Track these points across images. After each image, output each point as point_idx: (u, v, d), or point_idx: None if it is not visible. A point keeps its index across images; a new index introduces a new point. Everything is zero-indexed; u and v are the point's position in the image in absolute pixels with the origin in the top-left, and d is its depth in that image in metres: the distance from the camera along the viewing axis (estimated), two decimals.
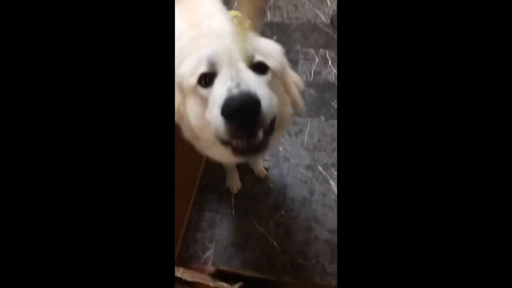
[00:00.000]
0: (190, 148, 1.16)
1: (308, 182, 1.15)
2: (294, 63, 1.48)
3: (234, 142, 0.50)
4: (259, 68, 0.53)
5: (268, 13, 1.73)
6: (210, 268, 0.87)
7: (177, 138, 0.98)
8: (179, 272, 0.54)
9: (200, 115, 0.54)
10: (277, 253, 1.02)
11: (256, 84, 0.48)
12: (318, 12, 1.68)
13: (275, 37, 1.60)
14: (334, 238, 1.02)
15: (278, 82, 0.57)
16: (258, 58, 0.53)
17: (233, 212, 1.13)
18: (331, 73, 1.44)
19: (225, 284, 0.47)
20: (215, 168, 1.21)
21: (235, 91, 0.45)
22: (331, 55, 1.50)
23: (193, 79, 0.53)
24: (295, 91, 0.62)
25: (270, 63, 0.54)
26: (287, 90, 0.60)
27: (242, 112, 0.44)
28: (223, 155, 0.61)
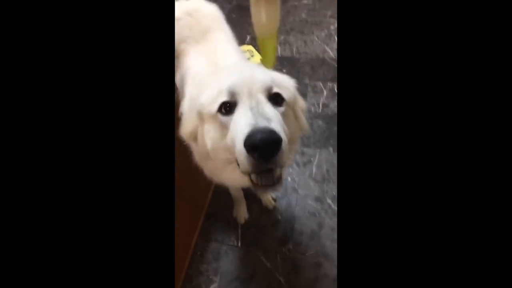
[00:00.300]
0: (198, 176, 1.17)
1: (317, 214, 1.12)
2: (303, 96, 1.52)
3: (253, 176, 0.53)
4: (276, 99, 0.57)
5: (279, 48, 1.83)
6: None
7: (186, 166, 1.00)
8: None
9: (217, 140, 0.58)
10: None
11: (274, 117, 0.52)
12: (326, 48, 1.77)
13: (284, 70, 1.68)
14: None
15: (290, 111, 0.62)
16: (275, 89, 0.57)
17: (239, 244, 1.10)
18: None
19: None
20: (223, 197, 1.21)
21: (257, 126, 0.48)
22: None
23: (214, 107, 0.56)
24: (303, 118, 0.66)
25: (286, 94, 0.59)
26: (296, 117, 0.65)
27: (263, 148, 0.47)
28: (234, 178, 0.65)
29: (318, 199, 1.16)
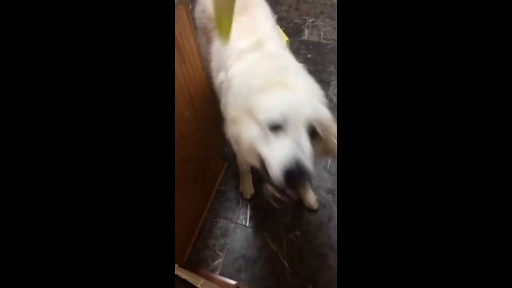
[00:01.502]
0: (211, 154, 1.17)
1: (328, 206, 1.12)
2: (326, 83, 1.48)
3: (270, 188, 0.62)
4: (313, 132, 0.63)
5: (306, 31, 1.75)
6: (231, 284, 0.86)
7: (200, 143, 1.00)
8: (200, 283, 0.54)
9: (251, 139, 0.65)
10: (288, 274, 0.99)
11: (309, 152, 0.60)
12: None
13: (309, 55, 1.62)
14: None
15: (321, 141, 0.67)
16: (315, 125, 0.63)
17: (248, 224, 1.12)
18: None
19: None
20: (235, 176, 1.21)
21: (295, 160, 0.56)
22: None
23: (263, 118, 0.62)
24: (334, 143, 0.69)
25: (322, 132, 0.64)
26: (327, 143, 0.69)
27: (293, 180, 0.57)
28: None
29: (330, 191, 1.16)
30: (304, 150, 0.59)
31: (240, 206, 1.16)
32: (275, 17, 1.83)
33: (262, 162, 0.64)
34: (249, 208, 1.15)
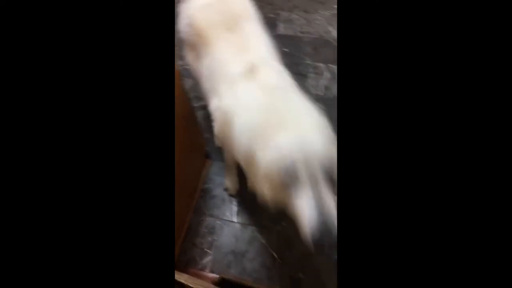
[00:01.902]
0: (193, 153, 1.16)
1: None
2: (303, 76, 1.50)
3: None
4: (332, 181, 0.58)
5: (281, 25, 1.76)
6: (214, 276, 0.86)
7: (180, 142, 0.99)
8: (183, 279, 0.53)
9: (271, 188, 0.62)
10: (277, 265, 1.00)
11: (334, 208, 0.55)
12: (330, 28, 1.72)
13: (286, 50, 1.63)
14: (335, 255, 1.01)
15: None
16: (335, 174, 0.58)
17: (235, 220, 1.11)
18: None
19: None
20: (218, 174, 1.21)
21: (322, 224, 0.53)
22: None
23: (273, 174, 0.58)
24: None
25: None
26: None
27: (321, 243, 0.55)
28: None
29: None
30: (328, 207, 0.54)
31: (226, 202, 1.16)
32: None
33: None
34: (235, 204, 1.15)
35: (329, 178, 0.57)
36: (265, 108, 0.67)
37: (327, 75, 1.51)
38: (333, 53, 1.59)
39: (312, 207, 0.54)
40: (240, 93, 0.73)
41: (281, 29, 1.74)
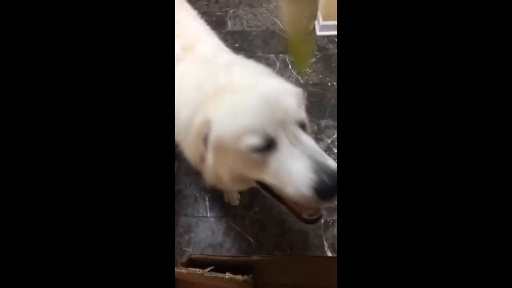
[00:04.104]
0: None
1: None
2: None
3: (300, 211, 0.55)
4: (303, 127, 0.52)
5: (229, 22, 1.80)
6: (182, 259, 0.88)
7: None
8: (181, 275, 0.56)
9: (238, 170, 0.53)
10: (254, 248, 1.06)
11: (319, 150, 0.48)
12: (276, 20, 1.79)
13: (237, 45, 1.68)
14: (305, 228, 1.09)
15: None
16: (302, 116, 0.52)
17: (208, 215, 1.15)
18: (292, 76, 1.54)
19: (197, 270, 0.50)
20: (188, 174, 1.23)
21: (323, 169, 0.45)
22: (290, 59, 1.60)
23: (242, 146, 0.49)
24: None
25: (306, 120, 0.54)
26: None
27: (329, 192, 0.45)
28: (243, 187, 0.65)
29: None
30: (319, 153, 0.48)
31: (199, 200, 1.19)
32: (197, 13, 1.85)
33: (266, 187, 0.53)
34: (207, 200, 1.19)
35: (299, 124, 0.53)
36: (200, 81, 0.62)
37: (278, 65, 1.59)
38: (281, 43, 1.67)
39: (302, 163, 0.47)
40: (179, 73, 0.68)
41: (230, 25, 1.78)
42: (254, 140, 0.48)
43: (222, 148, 0.53)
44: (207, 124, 0.53)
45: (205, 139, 0.55)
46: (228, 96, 0.54)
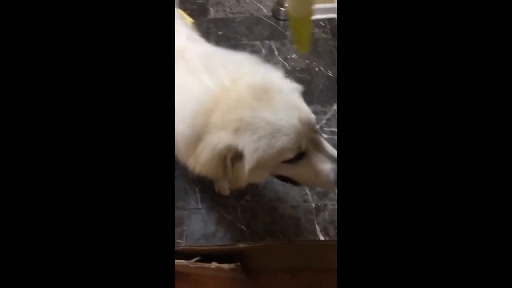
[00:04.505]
0: None
1: None
2: None
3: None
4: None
5: (211, 9, 1.75)
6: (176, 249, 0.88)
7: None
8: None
9: (266, 175, 0.62)
10: (247, 236, 1.07)
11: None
12: (260, 5, 1.75)
13: (220, 33, 1.63)
14: (296, 213, 1.11)
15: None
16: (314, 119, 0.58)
17: (200, 206, 1.15)
18: (278, 62, 1.52)
19: (182, 261, 0.50)
20: (176, 168, 1.21)
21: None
22: (276, 45, 1.58)
23: (278, 162, 0.55)
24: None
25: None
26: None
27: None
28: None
29: None
30: (335, 153, 0.57)
31: (189, 192, 1.18)
32: (177, 1, 1.78)
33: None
34: (197, 191, 1.18)
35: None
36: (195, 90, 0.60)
37: (264, 52, 1.56)
38: (266, 30, 1.63)
39: (325, 161, 0.56)
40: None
41: (213, 13, 1.73)
42: (290, 156, 0.55)
43: (255, 168, 0.55)
44: (233, 150, 0.54)
45: (231, 161, 0.56)
46: (246, 114, 0.53)
